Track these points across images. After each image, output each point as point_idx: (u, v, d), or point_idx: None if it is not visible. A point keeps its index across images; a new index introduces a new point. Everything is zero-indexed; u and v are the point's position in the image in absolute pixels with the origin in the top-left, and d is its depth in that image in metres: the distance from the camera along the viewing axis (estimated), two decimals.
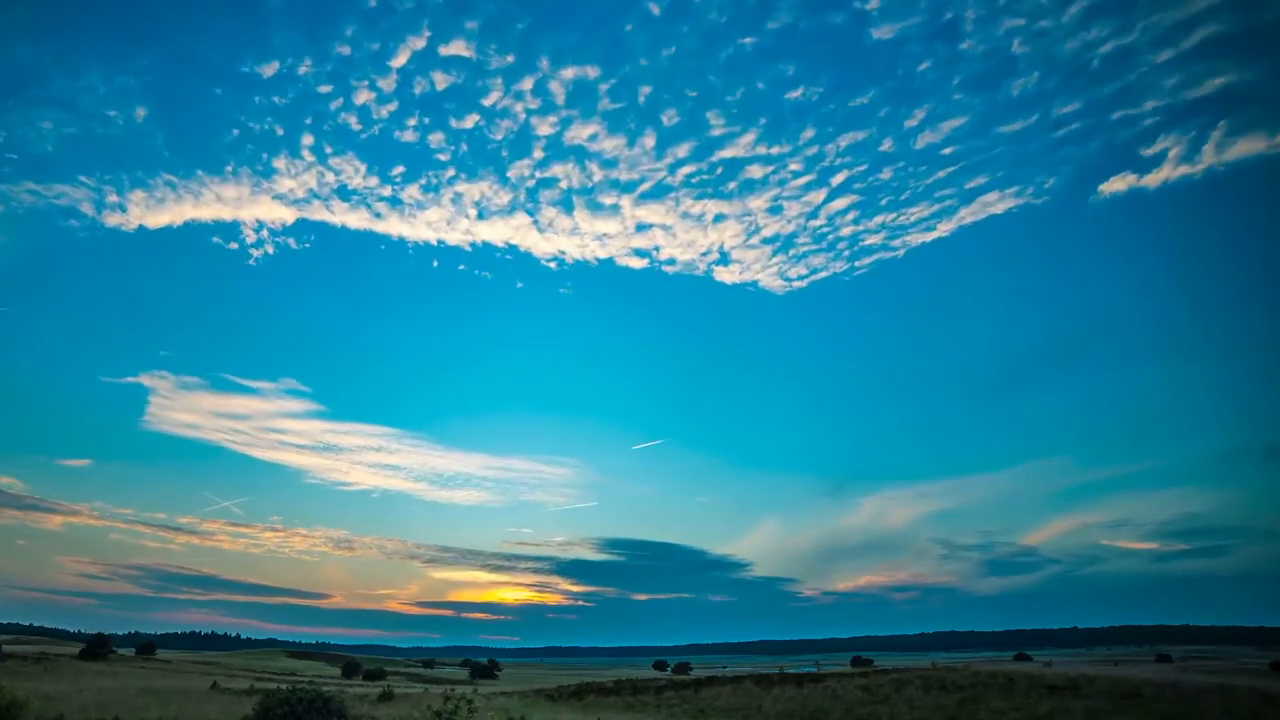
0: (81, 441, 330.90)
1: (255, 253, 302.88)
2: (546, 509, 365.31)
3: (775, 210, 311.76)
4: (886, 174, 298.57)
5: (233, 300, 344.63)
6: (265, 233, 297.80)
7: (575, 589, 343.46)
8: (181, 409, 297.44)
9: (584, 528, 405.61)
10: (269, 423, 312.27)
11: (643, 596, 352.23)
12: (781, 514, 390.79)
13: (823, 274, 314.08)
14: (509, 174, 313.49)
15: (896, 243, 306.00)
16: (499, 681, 66.31)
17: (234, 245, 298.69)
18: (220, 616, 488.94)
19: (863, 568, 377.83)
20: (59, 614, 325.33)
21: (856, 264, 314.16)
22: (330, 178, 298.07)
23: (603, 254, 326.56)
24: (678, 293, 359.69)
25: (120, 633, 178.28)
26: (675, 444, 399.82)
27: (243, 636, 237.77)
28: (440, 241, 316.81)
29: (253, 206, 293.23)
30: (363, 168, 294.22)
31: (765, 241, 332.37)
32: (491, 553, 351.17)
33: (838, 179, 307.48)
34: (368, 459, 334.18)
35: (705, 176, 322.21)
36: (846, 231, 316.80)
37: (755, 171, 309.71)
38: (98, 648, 53.44)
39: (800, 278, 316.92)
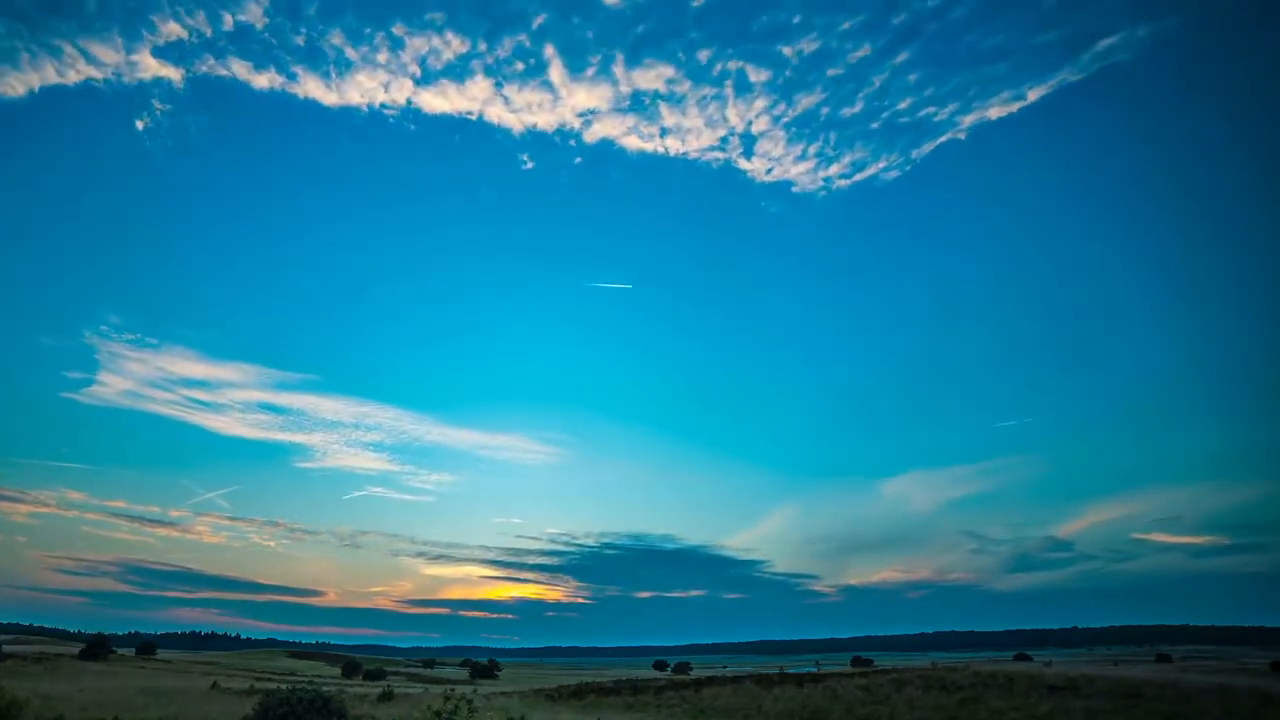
0: (37, 420, 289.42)
1: (151, 143, 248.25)
2: (534, 496, 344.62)
3: (814, 66, 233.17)
4: (965, 10, 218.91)
5: (146, 216, 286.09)
6: (157, 109, 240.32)
7: (575, 586, 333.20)
8: (128, 376, 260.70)
9: (581, 520, 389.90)
10: (237, 395, 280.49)
11: (646, 594, 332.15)
12: (798, 501, 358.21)
13: (871, 169, 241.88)
14: (459, 11, 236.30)
15: (967, 120, 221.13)
16: (499, 681, 66.30)
17: (123, 130, 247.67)
18: (212, 615, 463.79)
19: (881, 561, 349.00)
20: (37, 611, 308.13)
21: (913, 153, 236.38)
22: (227, 21, 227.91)
23: (591, 136, 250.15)
24: (689, 194, 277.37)
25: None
26: (679, 417, 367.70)
27: (243, 636, 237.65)
28: (374, 111, 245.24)
29: (132, 69, 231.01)
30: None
31: (800, 121, 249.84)
32: (485, 547, 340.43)
33: (900, 17, 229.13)
34: (346, 436, 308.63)
35: (724, 15, 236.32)
36: (905, 104, 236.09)
37: (790, 8, 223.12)
38: (98, 648, 53.47)
39: (843, 175, 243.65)
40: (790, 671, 46.53)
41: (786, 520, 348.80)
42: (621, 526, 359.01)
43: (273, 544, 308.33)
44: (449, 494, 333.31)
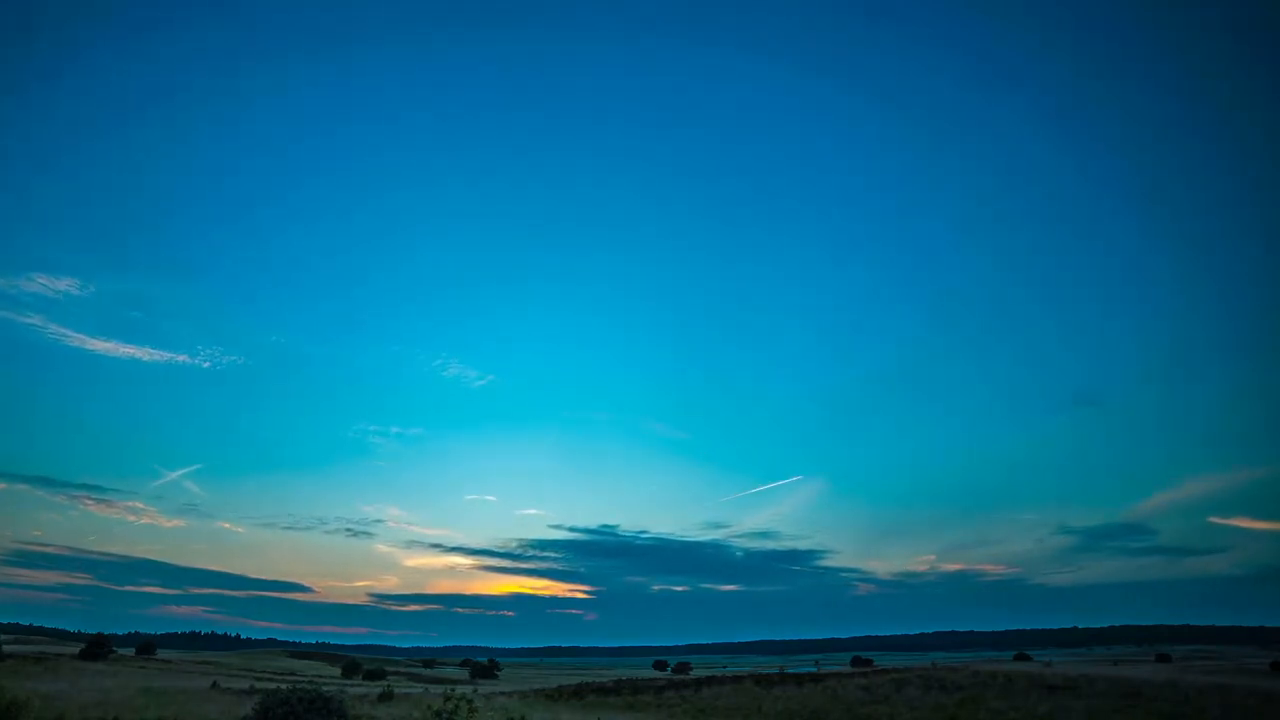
0: None
1: None
2: (525, 485, 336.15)
3: None
4: None
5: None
6: None
7: (577, 582, 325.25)
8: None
9: (580, 512, 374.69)
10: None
11: (657, 588, 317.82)
12: (821, 482, 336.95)
13: None
14: None
15: None
16: (499, 681, 66.33)
17: None
18: (199, 612, 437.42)
19: (917, 549, 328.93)
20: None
21: None
22: None
23: None
24: None
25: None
26: (688, 399, 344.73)
27: (242, 636, 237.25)
28: None
29: None
30: None
31: None
32: (498, 537, 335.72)
33: None
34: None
35: None
36: None
37: None
38: (98, 648, 53.46)
39: None
40: (790, 671, 46.54)
41: (808, 507, 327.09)
42: (622, 516, 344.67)
43: (242, 530, 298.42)
44: (431, 476, 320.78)
